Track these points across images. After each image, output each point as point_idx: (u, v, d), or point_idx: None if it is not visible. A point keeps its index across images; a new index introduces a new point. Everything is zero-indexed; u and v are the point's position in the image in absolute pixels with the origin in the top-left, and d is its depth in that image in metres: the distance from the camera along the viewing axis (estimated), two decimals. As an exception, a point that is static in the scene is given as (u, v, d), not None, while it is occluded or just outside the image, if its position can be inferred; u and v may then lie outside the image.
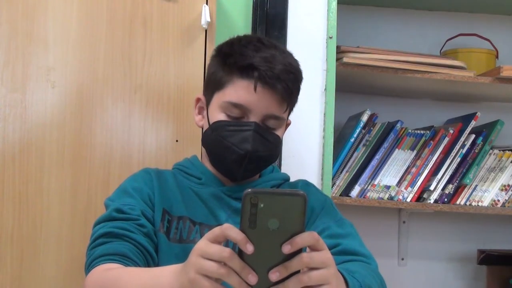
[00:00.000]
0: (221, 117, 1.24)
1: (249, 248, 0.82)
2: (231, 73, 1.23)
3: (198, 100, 1.34)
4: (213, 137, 1.25)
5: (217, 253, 0.84)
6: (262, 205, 0.82)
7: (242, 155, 1.21)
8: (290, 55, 1.29)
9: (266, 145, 1.23)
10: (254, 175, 1.30)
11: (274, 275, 0.83)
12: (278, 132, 1.27)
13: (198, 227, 1.24)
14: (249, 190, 0.82)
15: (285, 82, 1.21)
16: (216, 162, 1.28)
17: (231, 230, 0.83)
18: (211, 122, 1.26)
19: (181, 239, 1.23)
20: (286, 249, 0.83)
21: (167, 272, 0.96)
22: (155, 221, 1.23)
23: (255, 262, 0.84)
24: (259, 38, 1.29)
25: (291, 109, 1.31)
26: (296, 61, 1.28)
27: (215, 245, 0.85)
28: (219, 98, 1.25)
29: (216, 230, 0.85)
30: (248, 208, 0.82)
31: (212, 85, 1.28)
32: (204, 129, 1.29)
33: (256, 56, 1.21)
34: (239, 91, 1.21)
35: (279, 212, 0.83)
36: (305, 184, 1.37)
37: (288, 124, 1.35)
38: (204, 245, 0.86)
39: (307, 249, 0.86)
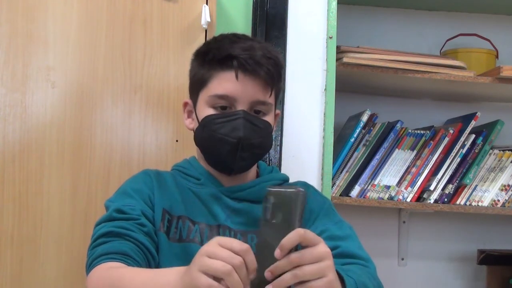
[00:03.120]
0: (209, 111, 1.25)
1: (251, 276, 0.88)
2: (211, 68, 1.25)
3: (185, 104, 1.35)
4: (204, 133, 1.25)
5: (228, 258, 0.86)
6: (272, 200, 0.91)
7: (234, 144, 1.21)
8: (268, 44, 1.31)
9: (257, 132, 1.24)
10: (250, 165, 1.30)
11: (267, 274, 0.87)
12: (268, 118, 1.27)
13: (197, 226, 1.24)
14: (269, 188, 0.93)
15: (266, 66, 1.23)
16: (210, 157, 1.29)
17: (250, 255, 0.87)
18: (200, 119, 1.27)
19: (180, 239, 1.23)
20: (277, 254, 0.87)
21: (172, 273, 0.97)
22: (155, 221, 1.23)
23: (262, 259, 0.88)
24: (234, 34, 1.31)
25: (276, 96, 1.31)
26: (274, 50, 1.31)
27: (225, 250, 0.87)
28: (204, 94, 1.26)
29: (236, 244, 0.88)
30: (264, 202, 0.92)
31: (195, 85, 1.29)
32: (195, 129, 1.30)
33: (234, 47, 1.24)
34: (222, 83, 1.23)
35: (282, 206, 0.89)
36: (304, 185, 1.37)
37: (277, 115, 1.35)
38: (214, 246, 0.87)
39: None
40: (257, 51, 1.23)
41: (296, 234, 0.87)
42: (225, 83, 1.22)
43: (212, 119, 1.24)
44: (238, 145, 1.21)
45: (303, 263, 0.87)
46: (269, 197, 0.90)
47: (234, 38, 1.28)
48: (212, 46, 1.28)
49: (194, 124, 1.31)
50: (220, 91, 1.23)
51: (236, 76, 1.21)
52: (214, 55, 1.25)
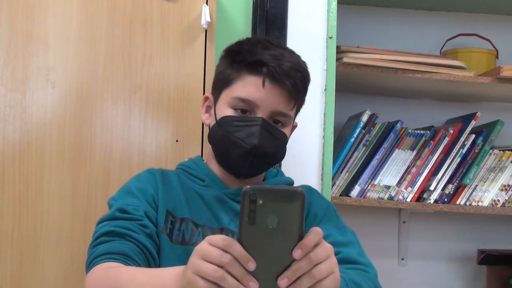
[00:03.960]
0: (229, 112, 1.24)
1: (251, 266, 0.82)
2: (240, 69, 1.24)
3: (206, 98, 1.35)
4: (219, 133, 1.25)
5: (217, 257, 0.83)
6: (261, 202, 0.82)
7: (248, 150, 1.21)
8: (298, 56, 1.31)
9: (272, 142, 1.24)
10: (259, 172, 1.30)
11: (283, 282, 0.83)
12: (285, 130, 1.27)
13: (200, 229, 1.24)
14: (248, 187, 0.82)
15: (294, 79, 1.23)
16: (221, 157, 1.28)
17: (234, 246, 0.83)
18: (218, 118, 1.26)
19: (183, 241, 1.23)
20: (298, 254, 0.82)
21: (170, 274, 0.95)
22: (159, 223, 1.23)
23: (257, 263, 0.83)
24: (268, 39, 1.31)
25: (298, 109, 1.31)
26: (304, 62, 1.30)
27: (216, 249, 0.84)
28: (227, 94, 1.26)
29: (219, 241, 0.84)
30: (247, 204, 0.82)
31: (220, 83, 1.29)
32: (211, 126, 1.30)
33: (265, 53, 1.23)
34: (247, 86, 1.23)
35: (278, 209, 0.82)
36: (308, 189, 1.37)
37: (294, 127, 1.35)
38: (206, 246, 0.86)
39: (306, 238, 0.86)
40: (286, 61, 1.23)
41: (318, 234, 0.84)
42: (250, 88, 1.22)
43: (230, 120, 1.24)
44: (251, 151, 1.21)
45: (318, 262, 0.84)
46: (258, 198, 0.81)
47: (268, 44, 1.27)
48: (245, 47, 1.28)
49: (210, 121, 1.31)
50: (243, 95, 1.23)
51: (263, 83, 1.21)
52: (245, 57, 1.24)
